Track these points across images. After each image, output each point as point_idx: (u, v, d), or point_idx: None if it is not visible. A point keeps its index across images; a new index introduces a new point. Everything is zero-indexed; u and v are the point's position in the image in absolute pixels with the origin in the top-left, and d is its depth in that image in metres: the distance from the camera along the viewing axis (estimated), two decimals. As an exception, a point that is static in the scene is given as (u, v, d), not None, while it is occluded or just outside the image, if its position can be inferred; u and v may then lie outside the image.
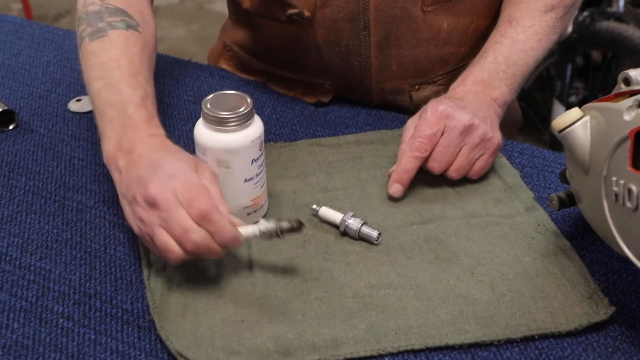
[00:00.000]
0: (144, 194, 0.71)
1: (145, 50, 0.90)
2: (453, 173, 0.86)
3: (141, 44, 0.90)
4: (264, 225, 0.72)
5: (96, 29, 0.89)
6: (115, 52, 0.86)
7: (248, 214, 0.81)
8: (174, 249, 0.70)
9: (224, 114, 0.76)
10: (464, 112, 0.85)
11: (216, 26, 1.50)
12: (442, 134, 0.85)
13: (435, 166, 0.85)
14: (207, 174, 0.74)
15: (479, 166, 0.87)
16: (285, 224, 0.72)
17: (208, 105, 0.77)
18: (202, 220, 0.69)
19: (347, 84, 1.05)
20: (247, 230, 0.72)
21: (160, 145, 0.77)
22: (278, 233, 0.72)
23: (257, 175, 0.80)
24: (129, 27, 0.90)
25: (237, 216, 0.80)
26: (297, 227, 0.72)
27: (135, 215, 0.73)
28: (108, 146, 0.79)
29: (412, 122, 0.88)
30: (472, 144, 0.85)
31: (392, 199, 0.86)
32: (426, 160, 0.86)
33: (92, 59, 0.87)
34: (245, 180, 0.79)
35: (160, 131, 0.80)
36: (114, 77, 0.84)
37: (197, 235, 0.69)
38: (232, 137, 0.76)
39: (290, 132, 1.01)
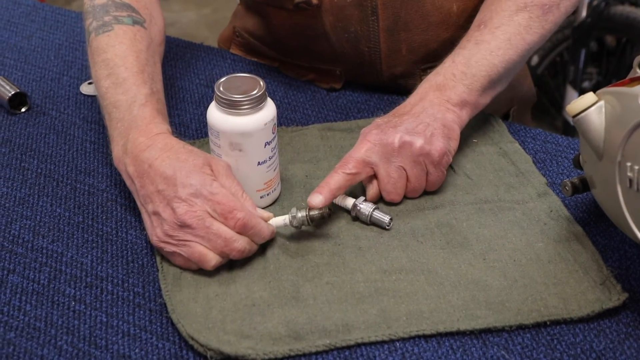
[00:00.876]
0: (173, 218, 0.73)
1: (151, 46, 0.91)
2: (410, 194, 0.84)
3: (147, 40, 0.90)
4: (295, 213, 0.76)
5: (102, 23, 0.89)
6: (122, 48, 0.86)
7: (261, 197, 0.81)
8: (211, 258, 0.73)
9: (237, 97, 0.75)
10: (394, 133, 0.81)
11: (227, 10, 1.49)
12: (379, 167, 0.81)
13: (393, 198, 0.83)
14: (223, 170, 0.75)
15: (431, 181, 0.83)
16: (315, 212, 0.76)
17: (221, 88, 0.76)
18: (243, 229, 0.73)
19: (357, 70, 1.05)
20: (277, 221, 0.77)
21: (165, 148, 0.77)
22: (308, 221, 0.76)
23: (270, 158, 0.80)
24: (135, 22, 0.90)
25: None
26: (327, 215, 0.76)
27: (162, 231, 0.74)
28: (116, 150, 0.81)
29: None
30: (411, 163, 0.81)
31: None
32: (384, 196, 0.83)
33: (100, 55, 0.87)
34: (259, 163, 0.79)
35: (163, 128, 0.80)
36: (120, 76, 0.84)
37: (240, 243, 0.73)
38: (245, 120, 0.76)
39: (302, 117, 1.00)
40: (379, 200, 0.83)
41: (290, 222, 0.77)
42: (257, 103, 0.76)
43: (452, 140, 0.83)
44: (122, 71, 0.84)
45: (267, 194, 0.82)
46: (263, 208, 0.82)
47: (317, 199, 0.78)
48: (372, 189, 0.83)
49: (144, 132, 0.79)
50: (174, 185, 0.73)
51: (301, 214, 0.76)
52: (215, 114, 0.77)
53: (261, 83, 0.77)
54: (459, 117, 0.85)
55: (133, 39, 0.88)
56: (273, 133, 0.79)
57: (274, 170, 0.81)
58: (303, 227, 0.78)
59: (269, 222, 0.77)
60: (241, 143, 0.77)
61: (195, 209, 0.72)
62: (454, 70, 0.86)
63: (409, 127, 0.82)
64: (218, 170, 0.75)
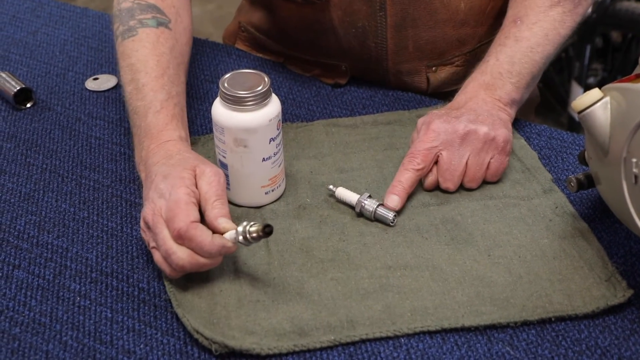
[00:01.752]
0: (142, 215, 0.74)
1: (176, 47, 0.91)
2: (469, 184, 0.84)
3: (171, 41, 0.90)
4: (242, 229, 0.69)
5: (127, 28, 0.90)
6: (144, 52, 0.88)
7: (266, 193, 0.81)
8: (166, 269, 0.72)
9: (242, 93, 0.75)
10: (458, 122, 0.83)
11: (232, 6, 1.49)
12: (442, 152, 0.83)
13: (448, 186, 0.84)
14: (205, 175, 0.74)
15: (493, 168, 0.84)
16: (254, 228, 0.68)
17: (225, 85, 0.76)
18: (180, 239, 0.70)
19: (363, 66, 1.05)
20: (230, 235, 0.70)
21: (166, 155, 0.78)
22: (251, 237, 0.69)
23: (275, 154, 0.80)
24: (159, 24, 0.91)
25: (254, 196, 0.81)
26: (265, 233, 0.68)
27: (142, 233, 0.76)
28: (136, 156, 0.84)
29: (415, 135, 0.87)
30: (476, 149, 0.83)
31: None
32: (440, 182, 0.84)
33: (125, 60, 0.89)
34: (263, 160, 0.79)
35: (174, 135, 0.81)
36: (140, 81, 0.86)
37: (178, 256, 0.70)
38: (250, 116, 0.76)
39: (307, 113, 1.00)
40: (384, 194, 0.83)
41: (236, 238, 0.69)
42: (261, 99, 0.76)
43: (511, 132, 0.86)
44: (142, 76, 0.86)
45: (272, 190, 0.82)
46: (268, 204, 0.82)
47: (395, 201, 0.81)
48: (430, 177, 0.84)
49: (155, 139, 0.81)
50: (154, 191, 0.74)
51: (241, 228, 0.69)
52: (220, 110, 0.77)
53: (266, 79, 0.77)
54: (510, 115, 0.88)
55: (156, 42, 0.89)
56: (278, 129, 0.79)
57: (279, 166, 0.81)
58: (252, 244, 0.70)
59: (224, 235, 0.71)
60: (246, 139, 0.77)
61: (154, 210, 0.72)
62: (500, 69, 0.89)
63: (471, 117, 0.84)
64: (200, 173, 0.74)
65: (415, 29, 0.99)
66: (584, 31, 2.24)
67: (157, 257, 0.72)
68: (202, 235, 0.69)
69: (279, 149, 0.80)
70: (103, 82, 1.08)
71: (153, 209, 0.72)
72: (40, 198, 0.86)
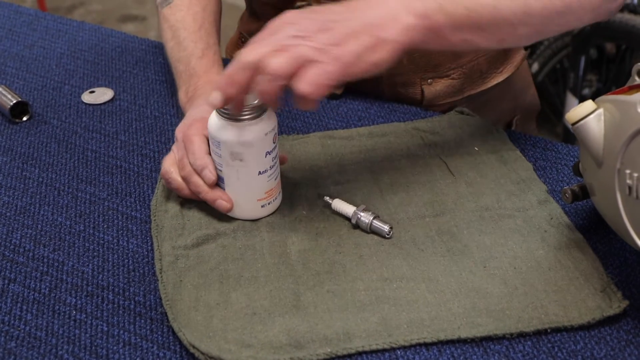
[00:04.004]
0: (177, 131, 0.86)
1: (208, 6, 1.03)
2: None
3: (203, 2, 1.03)
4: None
5: None
6: (181, 14, 1.01)
7: (262, 206, 0.82)
8: (184, 190, 0.83)
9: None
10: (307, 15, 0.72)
11: (231, 18, 1.50)
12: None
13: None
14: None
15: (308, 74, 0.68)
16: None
17: None
18: (185, 140, 0.82)
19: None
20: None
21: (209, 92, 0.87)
22: None
23: (271, 167, 0.80)
24: None
25: (250, 209, 0.81)
26: None
27: None
28: (180, 94, 0.96)
29: None
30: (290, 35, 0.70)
31: (405, 190, 0.86)
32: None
33: (165, 23, 1.03)
34: (260, 173, 0.79)
35: (218, 77, 0.92)
36: (180, 36, 0.99)
37: (211, 169, 0.79)
38: (246, 130, 0.76)
39: (302, 125, 1.01)
40: (380, 206, 0.83)
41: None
42: (258, 113, 0.76)
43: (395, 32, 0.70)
44: (181, 32, 0.99)
45: (268, 203, 0.82)
46: (264, 217, 0.83)
47: (216, 98, 0.73)
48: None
49: (203, 78, 0.93)
50: (195, 106, 0.88)
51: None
52: (216, 124, 0.78)
53: None
54: (410, 27, 0.71)
55: (189, 4, 1.02)
56: (274, 142, 0.79)
57: (275, 179, 0.82)
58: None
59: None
60: (242, 153, 0.77)
61: (183, 127, 0.84)
62: None
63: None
64: None
65: (409, 42, 0.99)
66: (579, 43, 2.26)
67: (179, 179, 0.81)
68: (199, 144, 0.81)
69: (275, 162, 0.81)
70: (99, 95, 1.08)
71: (182, 124, 0.84)
72: (36, 211, 0.86)
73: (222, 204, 0.80)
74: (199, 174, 0.81)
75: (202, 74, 0.94)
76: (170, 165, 0.83)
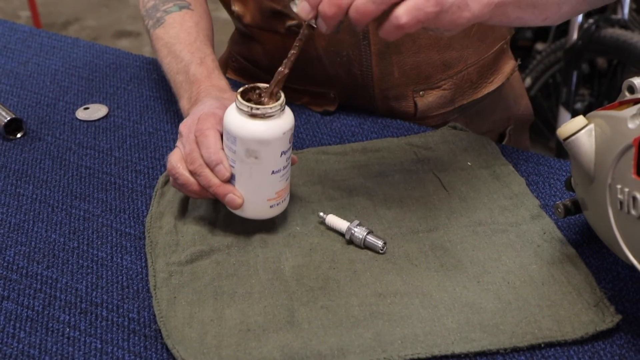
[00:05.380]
0: (182, 125, 0.85)
1: (201, 22, 1.04)
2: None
3: (196, 18, 1.04)
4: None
5: (156, 20, 1.05)
6: (174, 30, 1.02)
7: (271, 207, 0.81)
8: (193, 186, 0.80)
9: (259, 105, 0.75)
10: None
11: (223, 34, 1.50)
12: None
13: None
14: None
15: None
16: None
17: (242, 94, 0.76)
18: (198, 134, 0.80)
19: (351, 93, 1.06)
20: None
21: (221, 90, 0.91)
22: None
23: (284, 167, 0.79)
24: (181, 8, 1.05)
25: (259, 208, 0.81)
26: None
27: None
28: (183, 102, 0.95)
29: None
30: None
31: (398, 206, 0.86)
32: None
33: (159, 42, 1.03)
34: (273, 172, 0.78)
35: (220, 81, 0.94)
36: (176, 50, 0.99)
37: (225, 165, 0.78)
38: (264, 127, 0.75)
39: (296, 141, 1.01)
40: (374, 222, 0.84)
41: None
42: (277, 111, 0.75)
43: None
44: (177, 46, 0.99)
45: (277, 204, 0.81)
46: (272, 218, 0.82)
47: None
48: None
49: (205, 82, 0.93)
50: (201, 103, 0.88)
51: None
52: (233, 120, 0.76)
53: (281, 92, 0.77)
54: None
55: (182, 21, 1.03)
56: (290, 143, 0.78)
57: (286, 180, 0.81)
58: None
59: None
60: (258, 150, 0.76)
61: (185, 123, 0.84)
62: None
63: None
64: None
65: (399, 55, 1.00)
66: (571, 58, 2.27)
67: (187, 174, 0.79)
68: (213, 137, 0.79)
69: (288, 163, 0.80)
70: (94, 112, 1.08)
71: (187, 120, 0.84)
72: (30, 228, 0.86)
73: (233, 198, 0.78)
74: (212, 169, 0.78)
75: (204, 79, 0.93)
76: (177, 161, 0.80)
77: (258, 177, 0.78)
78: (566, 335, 0.70)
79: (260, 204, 0.80)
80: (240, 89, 0.77)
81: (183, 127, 0.84)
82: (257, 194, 0.79)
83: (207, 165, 0.79)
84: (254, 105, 0.75)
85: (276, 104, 0.75)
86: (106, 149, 1.00)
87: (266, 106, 0.75)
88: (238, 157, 0.77)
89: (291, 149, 0.79)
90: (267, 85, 0.78)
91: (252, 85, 0.78)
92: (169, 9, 1.04)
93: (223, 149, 0.79)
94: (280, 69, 0.77)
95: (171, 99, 1.10)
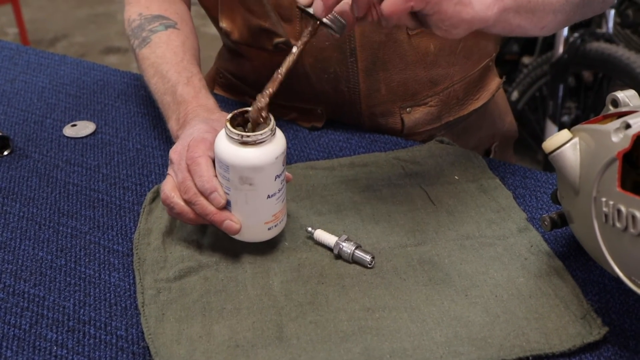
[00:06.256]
0: (172, 151, 0.84)
1: (187, 41, 1.04)
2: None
3: (182, 37, 1.04)
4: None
5: (142, 39, 1.04)
6: (160, 50, 1.01)
7: (269, 229, 0.81)
8: (188, 214, 0.80)
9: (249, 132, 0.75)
10: None
11: (211, 50, 1.51)
12: None
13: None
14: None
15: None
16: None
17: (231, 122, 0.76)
18: (190, 162, 0.79)
19: (338, 109, 1.06)
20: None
21: (209, 111, 0.91)
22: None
23: (280, 190, 0.79)
24: (167, 27, 1.04)
25: (257, 232, 0.81)
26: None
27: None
28: (171, 123, 0.95)
29: None
30: None
31: (386, 220, 0.87)
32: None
33: (145, 62, 1.02)
34: (268, 197, 0.78)
35: (207, 101, 0.93)
36: (163, 70, 0.99)
37: (220, 193, 0.78)
38: (257, 154, 0.75)
39: (284, 156, 1.01)
40: (362, 236, 0.84)
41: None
42: (268, 136, 0.75)
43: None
44: (164, 67, 0.99)
45: (275, 226, 0.81)
46: (270, 239, 0.82)
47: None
48: None
49: (192, 103, 0.92)
50: (190, 126, 0.87)
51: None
52: (224, 148, 0.76)
53: (271, 116, 0.77)
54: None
55: (168, 40, 1.02)
56: (283, 165, 0.78)
57: (282, 201, 0.81)
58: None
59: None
60: (252, 177, 0.76)
61: (176, 149, 0.83)
62: None
63: None
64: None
65: (386, 72, 1.01)
66: (557, 71, 2.29)
67: (182, 203, 0.79)
68: (205, 166, 0.78)
69: (283, 185, 0.80)
70: (81, 129, 1.08)
71: (178, 145, 0.82)
72: (17, 246, 0.86)
73: (230, 225, 0.78)
74: (206, 197, 0.78)
75: (191, 100, 0.93)
76: (170, 190, 0.80)
77: (254, 202, 0.78)
78: (554, 347, 0.70)
79: (258, 228, 0.80)
80: (229, 116, 0.77)
81: (173, 154, 0.83)
82: (254, 219, 0.79)
83: (202, 193, 0.78)
84: (244, 133, 0.75)
85: (266, 129, 0.75)
86: (94, 166, 1.00)
87: (257, 133, 0.75)
88: (232, 184, 0.77)
89: (285, 170, 0.79)
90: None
91: (240, 110, 0.78)
92: (154, 28, 1.03)
93: (216, 175, 0.78)
94: (276, 71, 0.79)
95: (159, 115, 1.10)
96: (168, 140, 1.05)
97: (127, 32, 1.08)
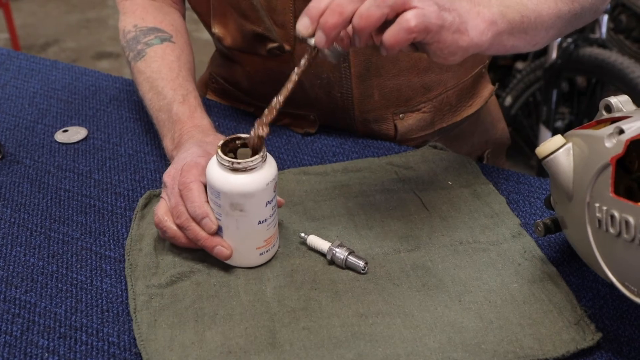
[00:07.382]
0: (166, 175, 0.84)
1: (182, 56, 1.03)
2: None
3: (177, 51, 1.03)
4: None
5: (137, 52, 1.03)
6: (156, 64, 1.00)
7: (260, 254, 0.81)
8: (180, 238, 0.81)
9: (240, 160, 0.75)
10: None
11: (204, 54, 1.51)
12: None
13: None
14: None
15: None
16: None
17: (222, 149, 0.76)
18: (182, 187, 0.79)
19: (331, 115, 1.06)
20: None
21: (204, 133, 0.90)
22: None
23: (271, 216, 0.79)
24: (163, 40, 1.03)
25: (248, 257, 0.80)
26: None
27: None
28: (166, 142, 0.95)
29: None
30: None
31: (380, 225, 0.86)
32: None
33: (140, 76, 1.01)
34: (259, 222, 0.78)
35: (202, 121, 0.93)
36: (159, 86, 0.98)
37: (212, 218, 0.78)
38: (247, 180, 0.75)
39: (278, 161, 1.00)
40: (356, 242, 0.84)
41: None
42: (258, 163, 0.75)
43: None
44: (159, 82, 0.98)
45: (267, 251, 0.81)
46: (262, 265, 0.82)
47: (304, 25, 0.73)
48: None
49: (187, 123, 0.92)
50: (184, 150, 0.86)
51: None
52: (215, 174, 0.76)
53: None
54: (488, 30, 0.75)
55: (163, 55, 1.02)
56: (274, 191, 0.78)
57: (274, 227, 0.81)
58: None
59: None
60: (242, 203, 0.76)
61: (169, 173, 0.83)
62: None
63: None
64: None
65: (379, 77, 1.01)
66: (550, 76, 2.30)
67: (174, 227, 0.80)
68: (197, 192, 0.79)
69: (274, 210, 0.80)
70: (72, 134, 1.08)
71: (171, 169, 0.83)
72: (8, 252, 0.85)
73: (222, 250, 0.79)
74: (198, 222, 0.79)
75: (186, 119, 0.93)
76: (163, 214, 0.81)
77: (245, 228, 0.78)
78: (547, 353, 0.70)
79: (249, 253, 0.80)
80: (221, 142, 0.77)
81: (167, 177, 0.83)
82: (245, 244, 0.79)
83: (193, 219, 0.79)
84: (234, 160, 0.75)
85: (257, 156, 0.75)
86: (85, 172, 1.00)
87: (247, 160, 0.75)
88: (223, 210, 0.77)
89: (276, 197, 0.79)
90: (247, 135, 0.78)
91: (232, 136, 0.79)
92: (150, 41, 1.03)
93: (208, 201, 0.79)
94: (275, 99, 0.77)
95: (151, 121, 1.10)
96: (160, 146, 1.04)
97: (121, 43, 1.07)
